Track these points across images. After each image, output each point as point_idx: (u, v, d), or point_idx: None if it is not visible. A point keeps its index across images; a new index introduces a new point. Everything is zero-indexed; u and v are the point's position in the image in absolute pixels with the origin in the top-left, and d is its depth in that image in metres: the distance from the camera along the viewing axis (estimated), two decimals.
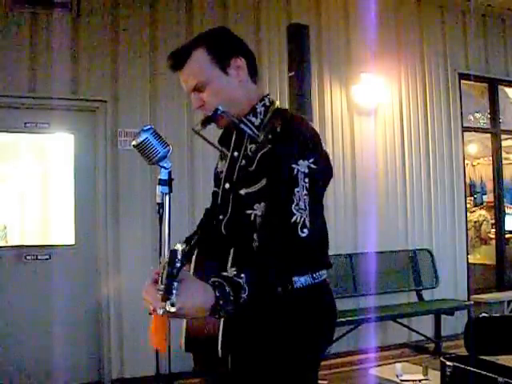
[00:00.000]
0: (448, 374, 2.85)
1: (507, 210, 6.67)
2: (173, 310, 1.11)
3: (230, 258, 1.40)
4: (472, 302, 5.30)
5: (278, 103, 1.60)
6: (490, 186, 7.23)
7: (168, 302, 1.11)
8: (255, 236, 1.42)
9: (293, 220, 1.33)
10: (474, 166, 8.26)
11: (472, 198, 8.14)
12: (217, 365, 1.48)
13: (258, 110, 1.55)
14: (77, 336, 4.21)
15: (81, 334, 4.24)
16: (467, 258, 5.74)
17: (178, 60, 1.52)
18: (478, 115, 6.85)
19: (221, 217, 1.56)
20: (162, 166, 1.39)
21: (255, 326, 1.41)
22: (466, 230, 5.82)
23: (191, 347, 1.51)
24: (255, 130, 1.52)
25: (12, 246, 4.27)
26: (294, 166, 1.37)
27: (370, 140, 5.28)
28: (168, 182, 1.37)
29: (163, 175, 1.38)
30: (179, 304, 1.13)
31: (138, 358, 4.21)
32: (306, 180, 1.37)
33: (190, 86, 1.52)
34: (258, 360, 1.42)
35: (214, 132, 1.64)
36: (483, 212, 7.54)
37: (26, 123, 4.22)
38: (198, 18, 4.69)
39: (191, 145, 4.53)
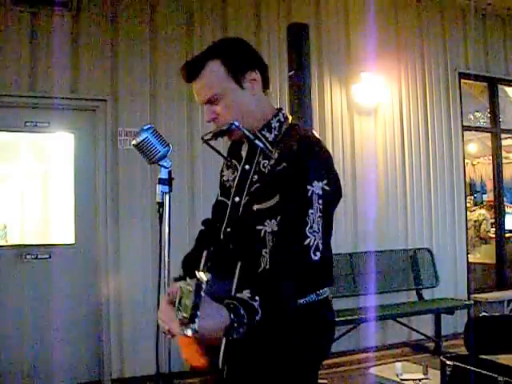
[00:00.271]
0: (448, 373, 2.85)
1: (507, 210, 6.68)
2: (189, 333, 1.11)
3: (237, 272, 1.40)
4: (472, 302, 5.30)
5: (291, 118, 1.59)
6: (489, 185, 7.24)
7: (189, 329, 1.12)
8: (264, 252, 1.42)
9: (306, 243, 1.32)
10: (473, 165, 8.27)
11: (472, 198, 8.15)
12: (212, 372, 1.48)
13: (273, 126, 1.54)
14: (77, 336, 4.21)
15: (81, 334, 4.24)
16: (467, 258, 5.73)
17: (192, 70, 1.49)
18: (477, 114, 6.86)
19: (228, 229, 1.55)
20: (162, 165, 1.39)
21: (256, 339, 1.39)
22: (466, 229, 5.81)
23: None
24: (269, 146, 1.50)
25: (12, 246, 4.26)
26: (309, 187, 1.36)
27: (369, 139, 5.28)
28: (168, 181, 1.37)
29: (163, 174, 1.39)
30: (199, 330, 1.12)
31: (138, 358, 4.21)
32: (320, 201, 1.36)
33: (203, 97, 1.50)
34: (255, 372, 1.43)
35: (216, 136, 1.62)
36: (483, 211, 7.55)
37: (25, 122, 4.21)
38: (198, 18, 4.69)
39: (191, 144, 4.53)
